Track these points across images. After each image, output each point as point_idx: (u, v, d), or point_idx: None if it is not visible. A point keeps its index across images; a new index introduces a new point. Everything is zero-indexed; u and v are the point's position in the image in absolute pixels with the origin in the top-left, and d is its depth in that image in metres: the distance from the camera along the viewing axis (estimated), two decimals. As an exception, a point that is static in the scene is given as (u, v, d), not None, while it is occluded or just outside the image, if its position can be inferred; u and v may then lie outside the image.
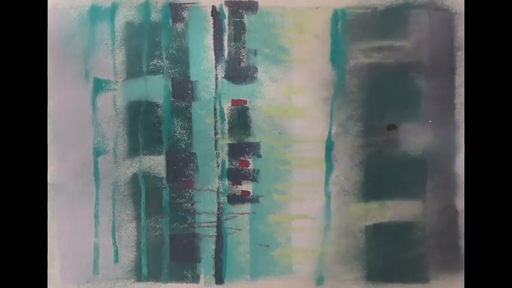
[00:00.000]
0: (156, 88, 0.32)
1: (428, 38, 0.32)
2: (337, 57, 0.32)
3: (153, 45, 0.32)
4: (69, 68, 0.32)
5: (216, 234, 0.33)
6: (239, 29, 0.32)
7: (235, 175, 0.33)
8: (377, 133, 0.32)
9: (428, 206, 0.32)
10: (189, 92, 0.32)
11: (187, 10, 0.32)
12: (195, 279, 0.33)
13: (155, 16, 0.32)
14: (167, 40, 0.32)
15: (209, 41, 0.32)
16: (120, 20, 0.32)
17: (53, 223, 0.33)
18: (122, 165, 0.33)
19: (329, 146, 0.32)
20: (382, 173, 0.32)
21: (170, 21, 0.32)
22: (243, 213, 0.33)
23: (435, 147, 0.32)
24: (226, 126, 0.33)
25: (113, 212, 0.33)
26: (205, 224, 0.33)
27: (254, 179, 0.33)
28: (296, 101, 0.32)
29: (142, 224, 0.33)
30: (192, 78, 0.32)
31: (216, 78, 0.32)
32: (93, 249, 0.33)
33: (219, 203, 0.33)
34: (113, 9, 0.32)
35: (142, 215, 0.33)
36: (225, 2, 0.32)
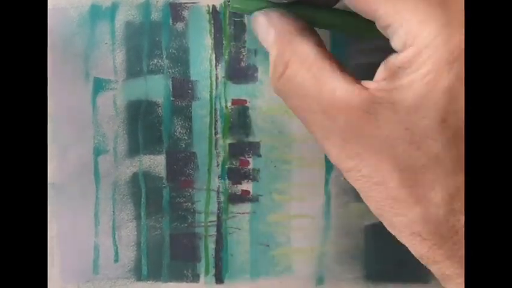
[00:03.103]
0: (156, 88, 0.32)
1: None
2: (337, 57, 0.32)
3: (153, 44, 0.32)
4: (69, 68, 0.32)
5: (216, 233, 0.33)
6: (239, 29, 0.32)
7: (236, 174, 0.33)
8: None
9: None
10: (189, 91, 0.32)
11: (187, 9, 0.32)
12: (195, 278, 0.33)
13: (155, 15, 0.32)
14: (167, 39, 0.32)
15: (209, 40, 0.32)
16: (120, 19, 0.32)
17: (53, 223, 0.33)
18: (122, 165, 0.33)
19: (329, 146, 0.32)
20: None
21: (170, 20, 0.32)
22: (243, 213, 0.33)
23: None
24: (226, 126, 0.33)
25: (113, 212, 0.33)
26: (206, 223, 0.33)
27: (254, 179, 0.33)
28: (296, 100, 0.32)
29: (142, 223, 0.33)
30: (192, 77, 0.32)
31: (217, 78, 0.32)
32: (93, 249, 0.33)
33: (219, 202, 0.33)
34: (113, 9, 0.32)
35: (142, 215, 0.33)
36: (226, 1, 0.32)
